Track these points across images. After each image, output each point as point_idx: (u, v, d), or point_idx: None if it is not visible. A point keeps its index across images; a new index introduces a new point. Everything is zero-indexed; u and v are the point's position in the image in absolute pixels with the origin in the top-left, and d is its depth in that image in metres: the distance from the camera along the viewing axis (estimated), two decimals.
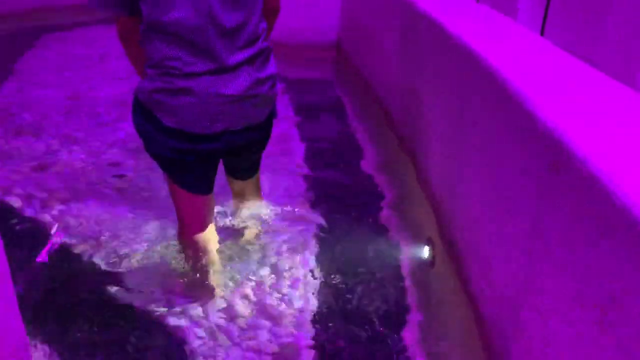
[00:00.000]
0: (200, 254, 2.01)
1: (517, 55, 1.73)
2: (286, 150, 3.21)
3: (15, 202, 2.61)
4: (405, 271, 2.18)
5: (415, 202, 2.54)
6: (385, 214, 2.57)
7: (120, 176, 2.85)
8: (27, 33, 5.48)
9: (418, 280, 2.14)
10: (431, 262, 2.16)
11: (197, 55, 1.65)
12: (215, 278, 2.03)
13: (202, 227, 1.98)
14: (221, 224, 2.30)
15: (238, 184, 2.23)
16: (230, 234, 2.27)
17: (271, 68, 1.85)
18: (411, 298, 2.06)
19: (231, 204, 2.34)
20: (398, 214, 2.56)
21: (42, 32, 5.46)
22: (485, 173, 1.70)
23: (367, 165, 3.05)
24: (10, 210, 2.54)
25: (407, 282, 2.13)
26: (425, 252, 2.20)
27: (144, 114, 1.75)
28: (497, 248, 1.58)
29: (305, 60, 4.78)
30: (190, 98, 1.67)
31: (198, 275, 2.02)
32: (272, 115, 1.96)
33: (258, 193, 2.31)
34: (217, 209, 2.17)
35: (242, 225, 2.30)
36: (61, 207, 2.57)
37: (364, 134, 3.42)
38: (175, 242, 2.12)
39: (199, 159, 1.81)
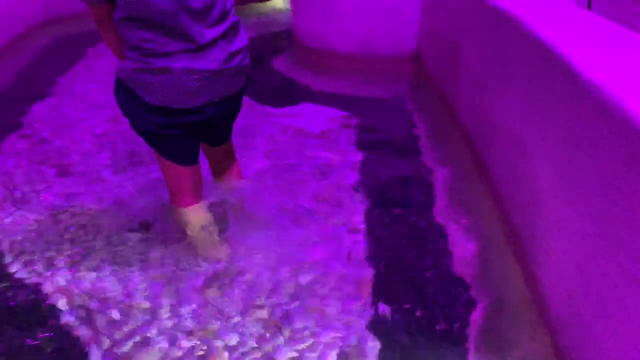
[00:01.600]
0: (192, 220, 2.13)
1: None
2: (342, 205, 2.55)
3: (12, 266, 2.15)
4: None
5: None
6: None
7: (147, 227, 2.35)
8: (87, 36, 5.17)
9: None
10: None
11: (172, 37, 1.74)
12: (211, 241, 2.17)
13: (191, 196, 2.11)
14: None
15: (214, 151, 2.28)
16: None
17: (242, 40, 1.94)
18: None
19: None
20: None
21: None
22: None
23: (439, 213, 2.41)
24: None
25: None
26: None
27: (127, 93, 1.85)
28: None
29: (378, 74, 4.13)
30: (169, 76, 1.77)
31: (195, 239, 2.16)
32: (245, 85, 2.05)
33: (233, 157, 2.35)
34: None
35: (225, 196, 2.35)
36: (67, 274, 2.08)
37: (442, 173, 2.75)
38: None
39: (182, 133, 1.93)
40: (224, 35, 1.83)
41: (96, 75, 4.23)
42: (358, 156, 2.98)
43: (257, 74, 4.35)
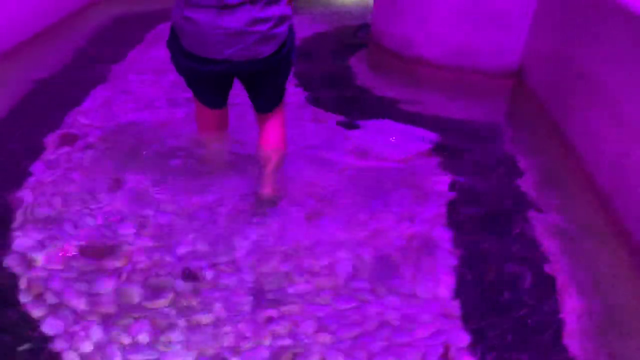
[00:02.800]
0: (208, 152, 2.59)
1: None
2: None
3: None
4: None
5: None
6: None
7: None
8: (147, 18, 4.78)
9: None
10: None
11: None
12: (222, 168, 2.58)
13: (211, 133, 2.50)
14: None
15: (259, 118, 2.43)
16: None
17: (277, 10, 2.06)
18: None
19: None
20: None
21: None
22: None
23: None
24: None
25: None
26: None
27: (172, 36, 2.17)
28: None
29: (470, 89, 3.54)
30: (194, 26, 2.03)
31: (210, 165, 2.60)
32: (279, 51, 2.14)
33: (278, 131, 2.43)
34: None
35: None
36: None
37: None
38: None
39: (207, 78, 2.22)
40: (254, 1, 2.00)
41: (151, 64, 3.80)
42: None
43: (326, 74, 3.88)
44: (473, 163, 2.76)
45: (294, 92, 3.36)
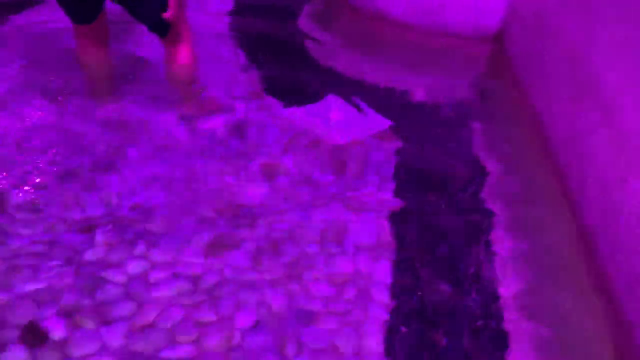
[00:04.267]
0: (91, 71, 2.37)
1: None
2: None
3: None
4: None
5: None
6: None
7: None
8: None
9: None
10: None
11: None
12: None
13: (84, 47, 2.28)
14: None
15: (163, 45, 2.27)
16: None
17: None
18: None
19: None
20: None
21: None
22: None
23: None
24: None
25: None
26: None
27: None
28: None
29: (441, 56, 2.92)
30: None
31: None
32: None
33: (182, 51, 2.25)
34: None
35: None
36: None
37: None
38: None
39: None
40: None
41: None
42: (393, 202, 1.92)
43: (267, 35, 3.23)
44: (435, 151, 2.21)
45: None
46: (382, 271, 1.70)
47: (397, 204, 1.95)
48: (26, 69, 2.57)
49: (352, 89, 2.64)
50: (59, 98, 2.36)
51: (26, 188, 1.91)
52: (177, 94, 2.42)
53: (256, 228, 1.83)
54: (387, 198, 1.97)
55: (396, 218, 1.88)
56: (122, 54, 2.72)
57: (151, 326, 1.51)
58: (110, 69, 2.40)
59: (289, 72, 2.78)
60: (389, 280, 1.68)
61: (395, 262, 1.72)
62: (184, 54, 2.24)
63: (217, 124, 2.33)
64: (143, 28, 2.21)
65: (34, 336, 1.46)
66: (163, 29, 2.15)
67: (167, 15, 2.02)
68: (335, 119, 2.42)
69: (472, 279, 1.69)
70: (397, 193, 1.99)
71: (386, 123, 2.43)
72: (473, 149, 2.28)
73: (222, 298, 1.59)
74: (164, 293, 1.59)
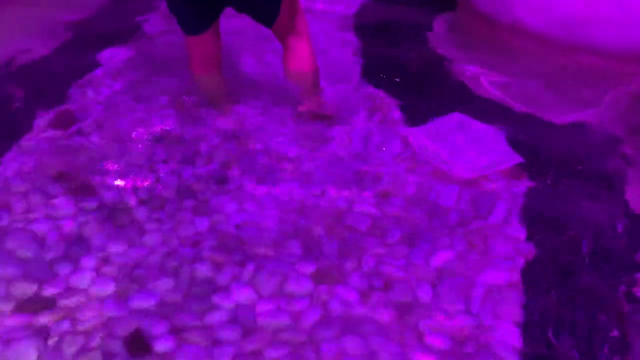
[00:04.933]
0: (203, 87, 2.34)
1: None
2: None
3: None
4: None
5: None
6: None
7: None
8: None
9: None
10: None
11: None
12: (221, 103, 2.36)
13: (199, 66, 2.25)
14: None
15: (279, 38, 2.23)
16: None
17: None
18: None
19: None
20: None
21: None
22: None
23: None
24: None
25: None
26: None
27: None
28: None
29: (585, 77, 2.60)
30: None
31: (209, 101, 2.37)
32: None
33: (301, 51, 2.18)
34: None
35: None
36: None
37: None
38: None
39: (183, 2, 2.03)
40: None
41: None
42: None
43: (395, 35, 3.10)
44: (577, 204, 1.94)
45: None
46: (507, 330, 1.50)
47: (531, 250, 1.72)
48: (150, 76, 2.64)
49: (482, 110, 2.43)
50: (182, 106, 2.39)
51: (148, 198, 1.93)
52: (297, 92, 2.38)
53: (364, 259, 1.69)
54: (519, 242, 1.75)
55: (530, 268, 1.66)
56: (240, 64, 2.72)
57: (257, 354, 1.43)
58: (223, 84, 2.40)
59: (416, 87, 2.62)
60: (515, 341, 1.47)
61: (524, 324, 1.50)
62: (301, 50, 2.19)
63: (334, 139, 2.23)
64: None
65: (137, 345, 1.44)
66: (270, 17, 2.07)
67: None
68: (460, 145, 2.21)
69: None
70: (530, 237, 1.76)
71: (517, 158, 2.17)
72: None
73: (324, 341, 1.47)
74: (268, 323, 1.51)
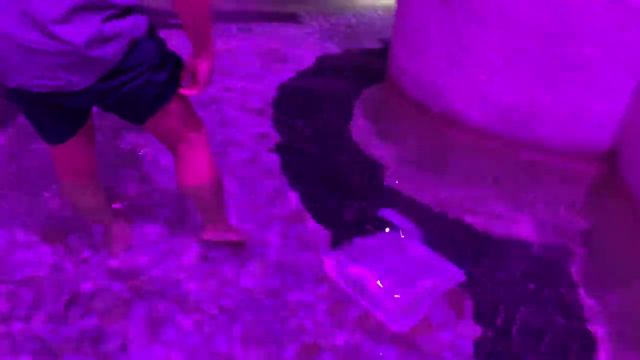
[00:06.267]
0: (72, 199, 1.97)
1: None
2: None
3: None
4: None
5: None
6: None
7: None
8: None
9: None
10: None
11: None
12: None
13: (64, 175, 1.84)
14: None
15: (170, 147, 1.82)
16: None
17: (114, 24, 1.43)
18: None
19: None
20: None
21: None
22: None
23: None
24: None
25: None
26: None
27: None
28: None
29: (526, 176, 2.31)
30: None
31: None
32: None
33: (193, 161, 1.77)
34: None
35: None
36: None
37: None
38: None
39: (27, 106, 1.59)
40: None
41: None
42: None
43: (314, 131, 2.76)
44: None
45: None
46: None
47: None
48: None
49: (417, 221, 2.10)
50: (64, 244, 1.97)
51: None
52: (197, 214, 2.01)
53: None
54: None
55: None
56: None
57: None
58: (102, 197, 1.97)
59: (338, 198, 2.27)
60: None
61: None
62: (197, 160, 1.75)
63: (249, 275, 1.86)
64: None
65: None
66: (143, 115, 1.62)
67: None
68: (390, 287, 1.83)
69: None
70: None
71: (460, 276, 1.89)
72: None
73: None
74: None
